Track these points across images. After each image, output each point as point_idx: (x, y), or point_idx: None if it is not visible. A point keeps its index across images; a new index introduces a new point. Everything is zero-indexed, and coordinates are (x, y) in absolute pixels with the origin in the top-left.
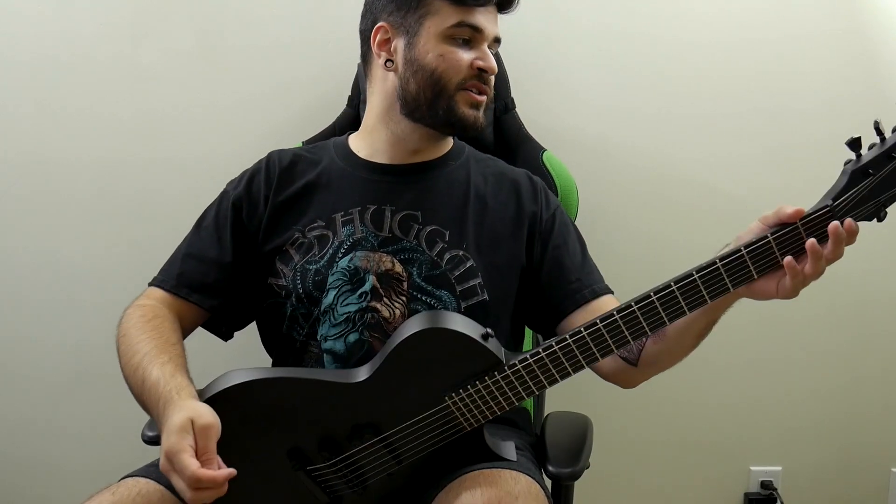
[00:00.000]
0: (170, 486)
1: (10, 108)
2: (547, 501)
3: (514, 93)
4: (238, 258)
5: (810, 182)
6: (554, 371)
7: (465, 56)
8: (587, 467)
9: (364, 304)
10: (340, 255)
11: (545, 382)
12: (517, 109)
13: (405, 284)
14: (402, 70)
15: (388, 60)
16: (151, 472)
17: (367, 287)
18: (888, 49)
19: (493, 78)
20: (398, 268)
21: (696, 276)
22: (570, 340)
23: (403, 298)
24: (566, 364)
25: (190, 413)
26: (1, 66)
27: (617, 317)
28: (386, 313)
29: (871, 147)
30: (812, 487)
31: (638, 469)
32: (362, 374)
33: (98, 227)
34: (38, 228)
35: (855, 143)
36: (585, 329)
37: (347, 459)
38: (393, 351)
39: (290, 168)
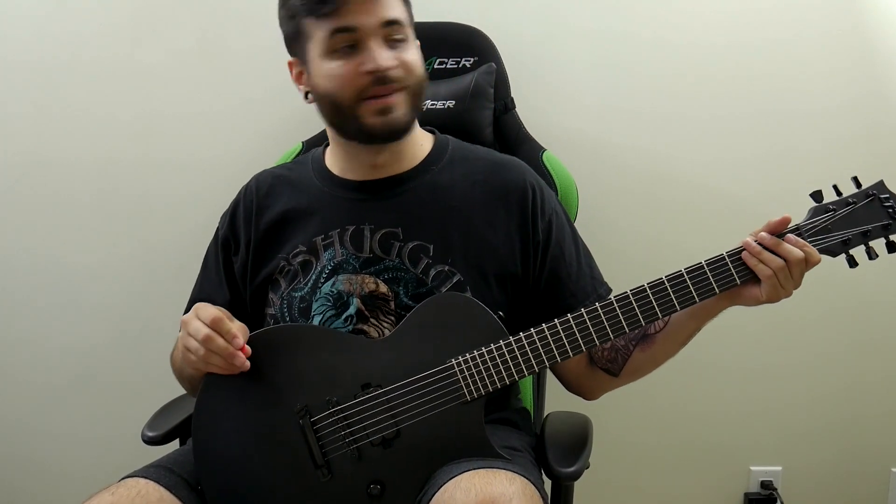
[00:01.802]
0: (169, 487)
1: (11, 109)
2: (542, 503)
3: (514, 93)
4: (238, 296)
5: (810, 184)
6: (555, 349)
7: (350, 66)
8: (587, 467)
9: (350, 327)
10: (323, 280)
11: (545, 359)
12: (517, 109)
13: (392, 304)
14: (315, 100)
15: (307, 93)
16: (151, 472)
17: (351, 310)
18: (889, 50)
19: (398, 70)
20: (383, 288)
21: (685, 275)
22: (572, 322)
23: (392, 318)
24: (566, 343)
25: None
26: (1, 67)
27: (615, 304)
28: (374, 334)
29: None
30: (812, 487)
31: (638, 469)
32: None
33: (98, 227)
34: (39, 229)
35: (817, 194)
36: (587, 312)
37: (349, 409)
38: (412, 314)
39: (268, 194)
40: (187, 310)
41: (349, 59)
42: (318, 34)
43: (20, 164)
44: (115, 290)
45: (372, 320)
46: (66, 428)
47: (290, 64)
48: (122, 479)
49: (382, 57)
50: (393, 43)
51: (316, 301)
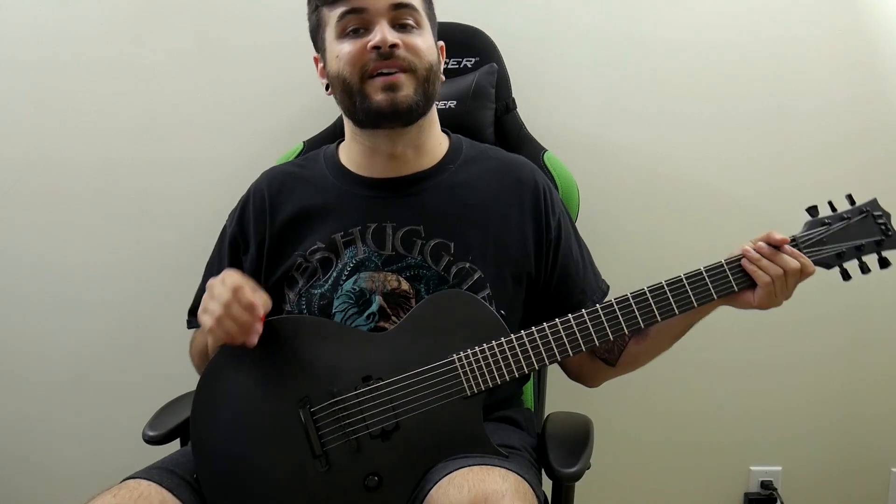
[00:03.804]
0: (171, 489)
1: (11, 108)
2: (535, 500)
3: (515, 93)
4: None
5: (810, 183)
6: (555, 348)
7: (358, 45)
8: (588, 468)
9: (372, 324)
10: (345, 278)
11: (545, 357)
12: (518, 110)
13: (413, 302)
14: (331, 87)
15: (326, 86)
16: (153, 474)
17: (374, 308)
18: (889, 50)
19: (402, 50)
20: (405, 286)
21: (684, 281)
22: (573, 322)
23: None
24: (566, 343)
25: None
26: (1, 67)
27: (616, 306)
28: None
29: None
30: (812, 487)
31: (638, 469)
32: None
33: (98, 227)
34: (39, 228)
35: (813, 209)
36: (588, 313)
37: (349, 401)
38: (415, 309)
39: (280, 191)
40: (193, 307)
41: (357, 38)
42: (331, 19)
43: (20, 164)
44: (115, 290)
45: (394, 318)
46: (67, 428)
47: (315, 60)
48: (124, 480)
49: (386, 33)
50: (402, 27)
51: (337, 298)
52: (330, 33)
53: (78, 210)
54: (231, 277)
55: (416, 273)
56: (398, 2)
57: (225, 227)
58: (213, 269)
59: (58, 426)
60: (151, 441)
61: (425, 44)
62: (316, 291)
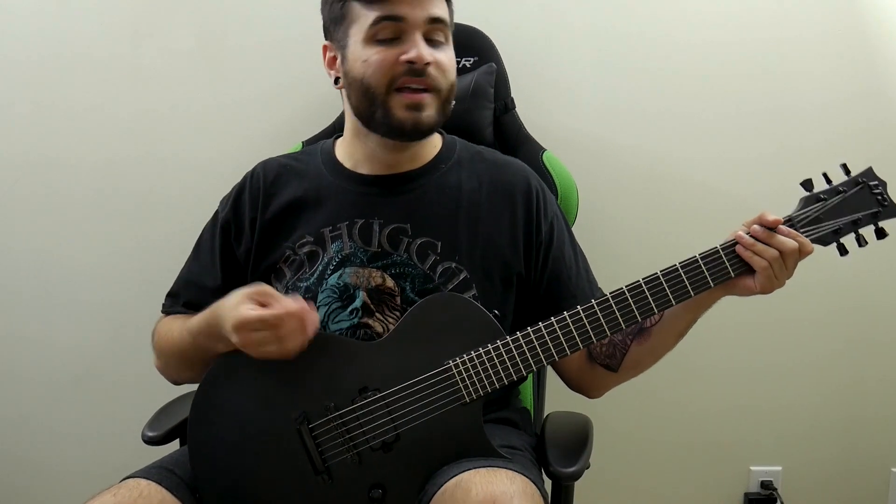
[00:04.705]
0: (171, 488)
1: (10, 108)
2: (542, 501)
3: (514, 93)
4: (230, 282)
5: None
6: (552, 348)
7: (390, 54)
8: (587, 467)
9: (356, 320)
10: (330, 272)
11: (542, 358)
12: (517, 109)
13: (398, 299)
14: (345, 85)
15: (336, 78)
16: (153, 473)
17: (357, 304)
18: (889, 50)
19: (433, 68)
20: (389, 283)
21: (679, 268)
22: (569, 320)
23: (397, 313)
24: (563, 342)
25: (241, 291)
26: (1, 66)
27: (611, 300)
28: (379, 328)
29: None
30: (812, 487)
31: (638, 469)
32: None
33: (98, 226)
34: (38, 228)
35: (807, 183)
36: (583, 309)
37: (348, 415)
38: (407, 315)
39: (275, 182)
40: (174, 291)
41: (389, 47)
42: (363, 20)
43: (20, 163)
44: (115, 289)
45: (377, 314)
46: (67, 427)
47: (324, 48)
48: (124, 479)
49: (423, 49)
50: (433, 42)
51: (322, 292)
52: (357, 32)
53: (78, 210)
54: (246, 304)
55: (402, 271)
56: (436, 16)
57: (217, 211)
58: (201, 254)
59: (58, 426)
60: (151, 441)
61: (451, 62)
62: (302, 285)
